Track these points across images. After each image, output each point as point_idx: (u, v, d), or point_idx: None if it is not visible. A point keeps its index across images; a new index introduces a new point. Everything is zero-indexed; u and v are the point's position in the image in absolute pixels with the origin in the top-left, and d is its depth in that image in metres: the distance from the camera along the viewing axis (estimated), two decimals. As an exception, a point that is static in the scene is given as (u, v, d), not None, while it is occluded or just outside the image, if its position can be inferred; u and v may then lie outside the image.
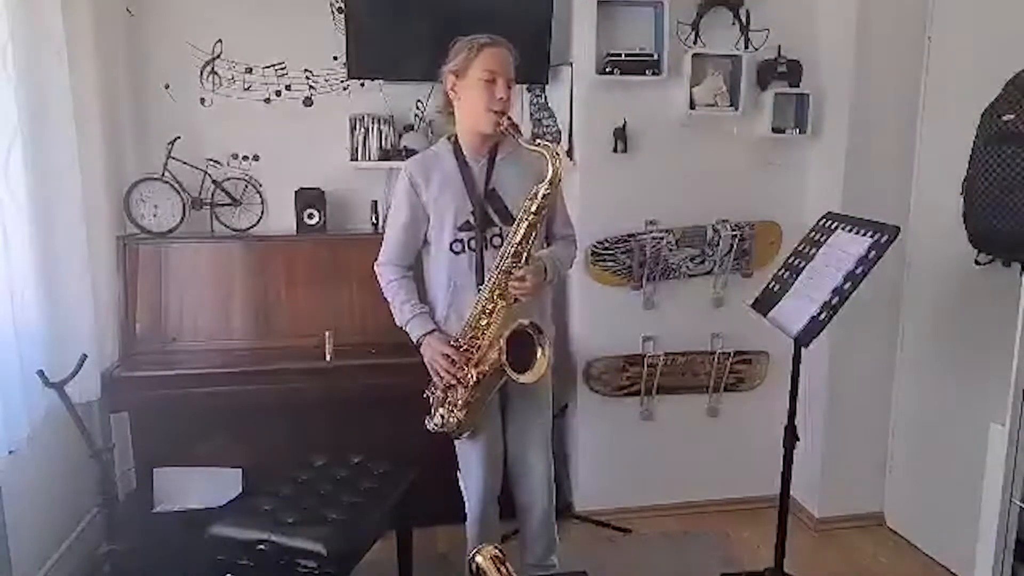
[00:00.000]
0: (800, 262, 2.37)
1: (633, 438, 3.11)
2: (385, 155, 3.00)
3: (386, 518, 2.25)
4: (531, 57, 2.90)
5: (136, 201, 2.87)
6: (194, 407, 2.61)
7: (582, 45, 2.83)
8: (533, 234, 2.03)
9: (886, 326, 2.97)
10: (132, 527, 2.54)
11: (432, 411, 2.18)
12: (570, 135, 2.98)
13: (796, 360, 2.35)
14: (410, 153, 2.94)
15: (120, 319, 2.76)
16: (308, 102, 3.06)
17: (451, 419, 2.13)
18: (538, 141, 2.05)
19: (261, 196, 3.05)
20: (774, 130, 2.94)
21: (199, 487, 2.71)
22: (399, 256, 2.21)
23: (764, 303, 2.42)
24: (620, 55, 2.82)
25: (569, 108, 2.96)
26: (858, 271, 2.08)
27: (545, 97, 3.12)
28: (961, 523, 2.40)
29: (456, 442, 2.25)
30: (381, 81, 3.03)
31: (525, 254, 2.03)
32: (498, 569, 1.23)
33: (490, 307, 2.05)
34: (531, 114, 3.14)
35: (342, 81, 3.05)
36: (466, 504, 2.29)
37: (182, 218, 2.91)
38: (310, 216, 2.97)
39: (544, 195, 1.99)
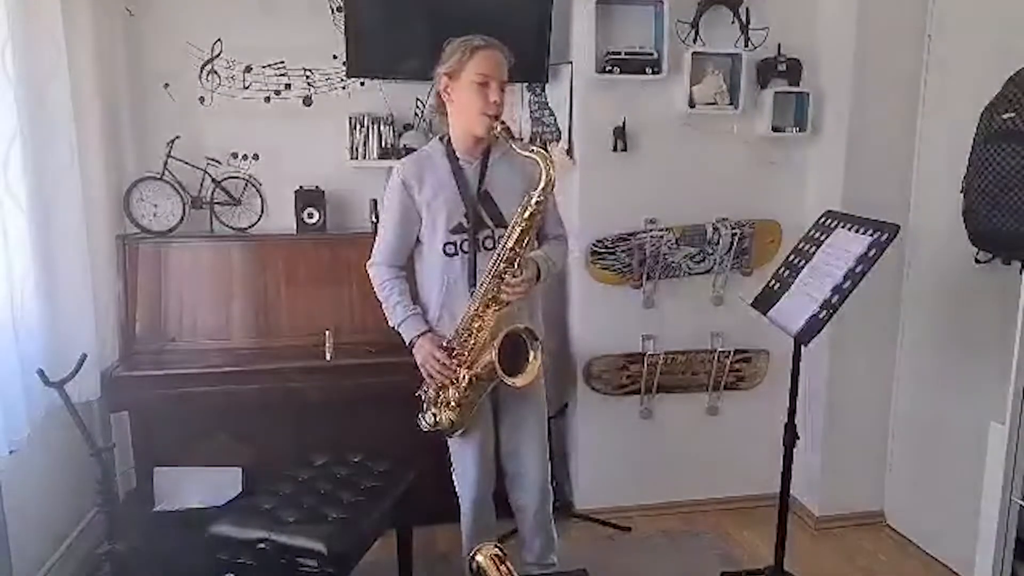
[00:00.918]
0: (800, 261, 2.37)
1: (633, 437, 3.12)
2: (385, 154, 3.00)
3: (386, 517, 2.25)
4: (531, 56, 2.91)
5: (136, 200, 2.86)
6: (194, 406, 2.61)
7: (582, 44, 2.83)
8: (526, 239, 2.03)
9: (886, 324, 2.97)
10: (132, 526, 2.54)
11: (424, 410, 2.19)
12: (570, 134, 2.99)
13: (796, 359, 2.35)
14: (410, 152, 2.93)
15: (120, 318, 2.76)
16: (308, 101, 3.06)
17: (443, 419, 2.14)
18: (531, 147, 2.06)
19: (261, 195, 3.05)
20: (774, 129, 2.94)
21: (199, 486, 2.72)
22: (391, 256, 2.21)
23: (764, 301, 2.42)
24: (620, 54, 2.82)
25: (569, 107, 2.96)
26: (858, 269, 2.08)
27: (545, 96, 3.11)
28: (961, 521, 2.41)
29: (449, 441, 2.25)
30: (381, 80, 3.02)
31: (518, 259, 2.03)
32: (498, 568, 1.23)
33: (483, 310, 2.05)
34: (531, 113, 3.14)
35: (342, 80, 3.05)
36: (460, 503, 2.30)
37: (182, 217, 2.91)
38: (310, 215, 2.97)
39: (538, 202, 2.00)
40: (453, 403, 2.12)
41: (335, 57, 3.01)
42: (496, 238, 2.11)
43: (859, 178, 2.85)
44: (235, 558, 2.03)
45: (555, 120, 3.08)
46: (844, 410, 3.00)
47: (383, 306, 2.21)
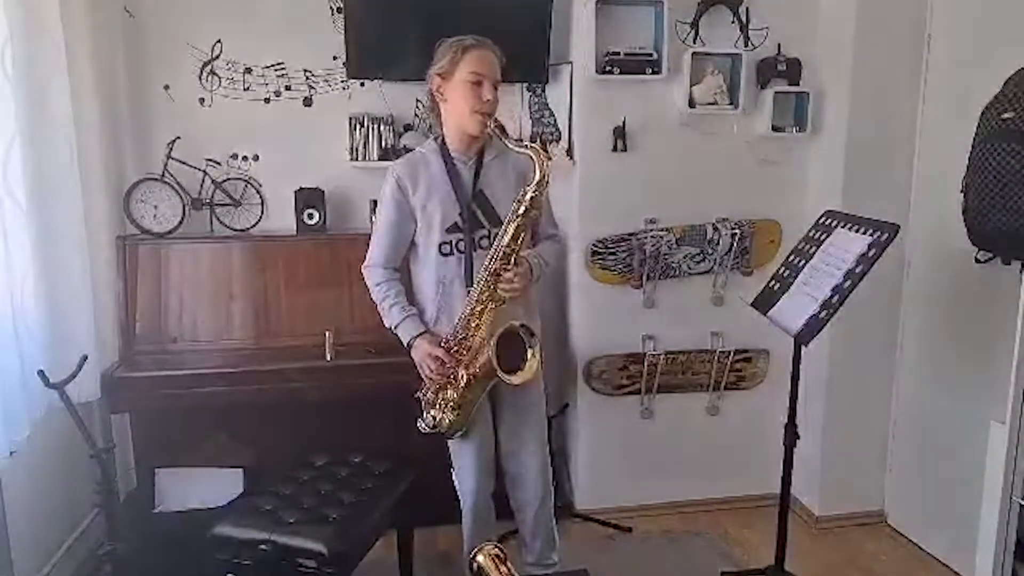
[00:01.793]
0: (800, 260, 2.37)
1: (634, 437, 3.12)
2: (385, 155, 3.00)
3: (387, 517, 2.25)
4: (530, 56, 2.91)
5: (136, 201, 2.86)
6: (194, 407, 2.61)
7: (581, 44, 2.84)
8: (522, 235, 2.03)
9: (886, 324, 2.97)
10: (133, 527, 2.55)
11: (423, 412, 2.19)
12: (570, 134, 2.99)
13: (796, 358, 2.35)
14: (410, 152, 2.94)
15: (120, 319, 2.76)
16: (308, 102, 3.06)
17: (443, 420, 2.14)
18: (525, 143, 2.06)
19: (261, 196, 3.05)
20: (774, 129, 2.94)
21: (200, 487, 2.71)
22: (387, 258, 2.20)
23: (764, 301, 2.42)
24: (619, 54, 2.82)
25: (569, 107, 2.96)
26: (858, 269, 2.08)
27: (545, 96, 3.12)
28: (962, 521, 2.41)
29: (449, 442, 2.25)
30: (381, 81, 3.02)
31: (514, 255, 2.03)
32: (498, 568, 1.23)
33: (479, 309, 2.05)
34: (531, 113, 3.14)
35: (342, 81, 3.05)
36: (461, 503, 2.30)
37: (182, 218, 2.91)
38: (310, 216, 2.97)
39: (532, 197, 2.00)
40: (452, 404, 2.12)
41: (335, 58, 3.01)
42: (492, 237, 2.11)
43: (859, 178, 2.85)
44: (235, 559, 2.03)
45: (555, 120, 3.08)
46: (844, 410, 3.00)
47: (379, 308, 2.21)
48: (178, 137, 2.94)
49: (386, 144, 3.02)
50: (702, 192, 2.99)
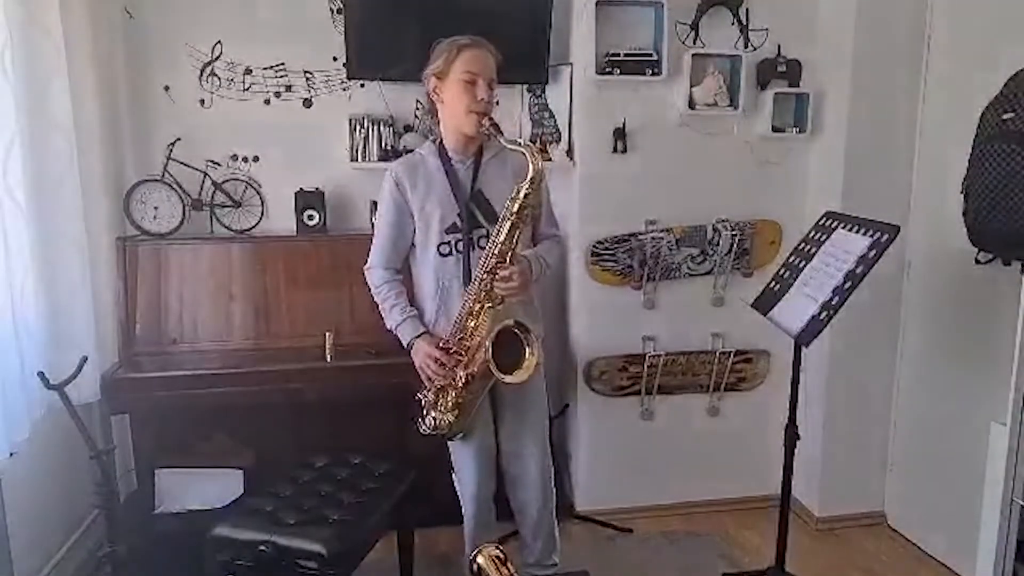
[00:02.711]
0: (800, 261, 2.37)
1: (634, 438, 3.11)
2: (385, 156, 3.00)
3: (387, 518, 2.25)
4: (530, 57, 2.91)
5: (136, 202, 2.86)
6: (194, 408, 2.61)
7: (581, 45, 2.84)
8: (517, 233, 2.01)
9: (886, 325, 2.97)
10: (133, 529, 2.54)
11: (424, 415, 2.19)
12: (570, 135, 2.99)
13: (796, 359, 2.35)
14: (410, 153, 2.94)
15: (120, 320, 2.76)
16: (308, 103, 3.06)
17: (443, 422, 2.13)
18: (519, 140, 2.05)
19: (261, 197, 3.05)
20: (774, 129, 2.94)
21: (200, 488, 2.71)
22: (387, 259, 2.21)
23: (764, 302, 2.42)
24: (619, 55, 2.82)
25: (569, 108, 2.96)
26: (858, 270, 2.08)
27: (545, 97, 3.12)
28: (962, 522, 2.41)
29: (450, 444, 2.25)
30: (381, 82, 3.02)
31: (509, 253, 2.02)
32: (499, 569, 1.23)
33: (476, 308, 2.04)
34: (531, 114, 3.14)
35: (342, 82, 3.05)
36: (462, 506, 2.30)
37: (182, 219, 2.90)
38: (310, 217, 2.97)
39: (526, 194, 1.99)
40: (452, 405, 2.11)
41: (335, 59, 3.01)
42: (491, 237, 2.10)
43: (859, 178, 2.85)
44: (235, 560, 2.03)
45: (555, 121, 3.08)
46: (845, 410, 3.00)
47: (380, 309, 2.21)
48: (178, 138, 2.94)
49: (386, 145, 3.01)
50: (702, 193, 2.99)
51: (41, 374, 2.09)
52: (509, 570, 1.23)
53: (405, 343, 2.16)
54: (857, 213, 2.31)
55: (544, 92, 3.11)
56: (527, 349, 2.06)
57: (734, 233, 2.99)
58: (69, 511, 2.61)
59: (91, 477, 2.23)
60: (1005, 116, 2.27)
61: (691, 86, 2.87)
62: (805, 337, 2.15)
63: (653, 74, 2.83)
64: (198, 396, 2.58)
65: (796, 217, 3.00)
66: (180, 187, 2.92)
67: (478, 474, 2.24)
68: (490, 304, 2.04)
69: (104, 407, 2.64)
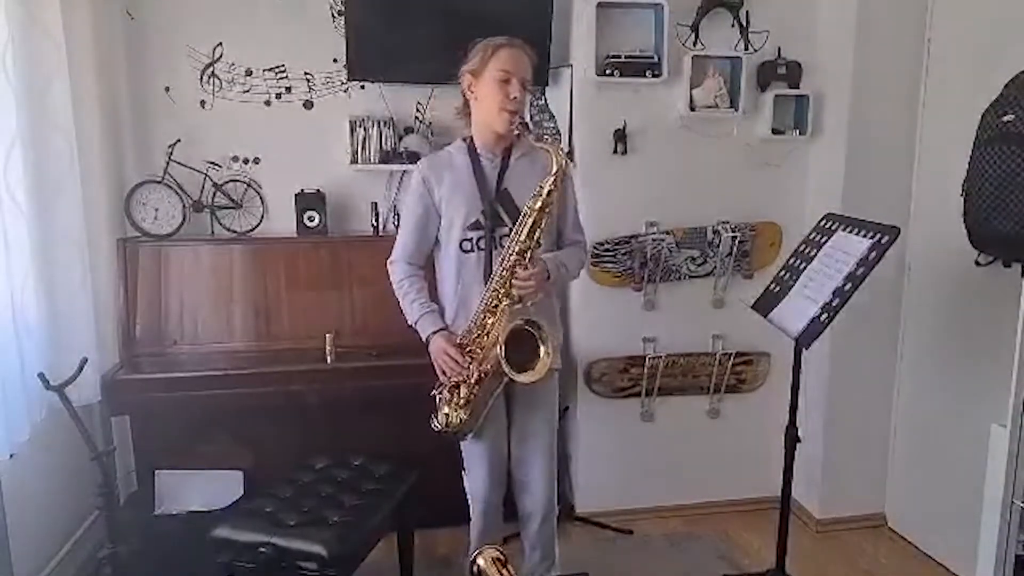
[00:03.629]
0: (800, 263, 2.36)
1: (634, 439, 3.11)
2: (385, 157, 3.00)
3: (387, 520, 2.25)
4: (530, 59, 2.91)
5: (137, 204, 2.86)
6: (195, 409, 2.61)
7: (582, 47, 2.84)
8: (538, 231, 2.01)
9: (887, 327, 2.97)
10: (133, 530, 2.54)
11: (437, 411, 2.18)
12: (570, 137, 2.99)
13: (797, 361, 2.35)
14: (411, 155, 2.95)
15: (121, 322, 2.76)
16: (308, 105, 3.06)
17: (454, 419, 2.12)
18: (545, 137, 2.05)
19: (261, 198, 3.05)
20: (774, 131, 2.94)
21: (200, 489, 2.71)
22: (410, 254, 2.20)
23: (765, 304, 2.42)
24: (620, 57, 2.82)
25: (569, 110, 2.96)
26: (858, 272, 2.08)
27: (545, 99, 3.12)
28: (962, 524, 2.40)
29: (462, 445, 2.24)
30: (381, 83, 3.03)
31: (529, 252, 2.02)
32: (499, 571, 1.23)
33: (494, 305, 2.04)
34: (531, 116, 3.14)
35: (342, 83, 3.05)
36: (470, 507, 2.29)
37: (182, 221, 2.91)
38: (310, 218, 2.97)
39: (548, 191, 1.99)
40: (463, 402, 2.09)
41: (335, 60, 3.01)
42: None
43: (859, 180, 2.85)
44: (235, 561, 2.03)
45: (555, 123, 3.08)
46: (845, 412, 3.00)
47: (401, 304, 2.20)
48: (179, 139, 2.94)
49: (386, 146, 3.01)
50: (702, 195, 2.99)
51: (41, 375, 2.10)
52: (509, 572, 1.23)
53: (423, 338, 2.16)
54: (857, 215, 2.30)
55: (544, 94, 3.11)
56: (541, 347, 2.05)
57: (734, 235, 2.99)
58: (69, 512, 2.61)
59: (91, 478, 2.23)
60: (1005, 118, 2.27)
61: (691, 88, 2.87)
62: (805, 339, 2.15)
63: (653, 76, 2.83)
64: (198, 397, 2.58)
65: (796, 219, 3.00)
66: (181, 188, 2.93)
67: (489, 477, 2.22)
68: (508, 302, 2.03)
69: (104, 408, 2.65)
